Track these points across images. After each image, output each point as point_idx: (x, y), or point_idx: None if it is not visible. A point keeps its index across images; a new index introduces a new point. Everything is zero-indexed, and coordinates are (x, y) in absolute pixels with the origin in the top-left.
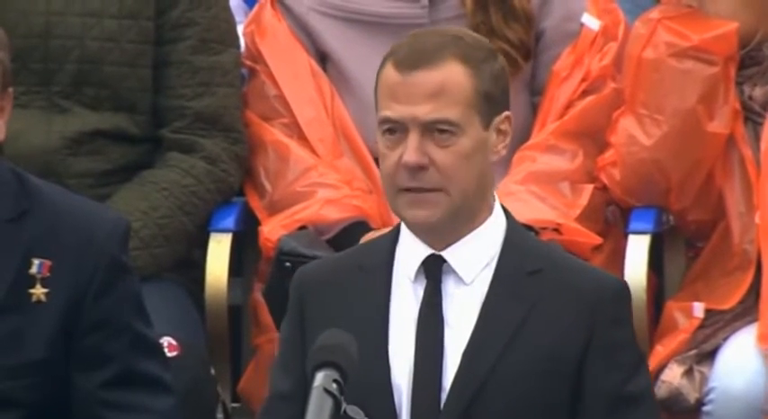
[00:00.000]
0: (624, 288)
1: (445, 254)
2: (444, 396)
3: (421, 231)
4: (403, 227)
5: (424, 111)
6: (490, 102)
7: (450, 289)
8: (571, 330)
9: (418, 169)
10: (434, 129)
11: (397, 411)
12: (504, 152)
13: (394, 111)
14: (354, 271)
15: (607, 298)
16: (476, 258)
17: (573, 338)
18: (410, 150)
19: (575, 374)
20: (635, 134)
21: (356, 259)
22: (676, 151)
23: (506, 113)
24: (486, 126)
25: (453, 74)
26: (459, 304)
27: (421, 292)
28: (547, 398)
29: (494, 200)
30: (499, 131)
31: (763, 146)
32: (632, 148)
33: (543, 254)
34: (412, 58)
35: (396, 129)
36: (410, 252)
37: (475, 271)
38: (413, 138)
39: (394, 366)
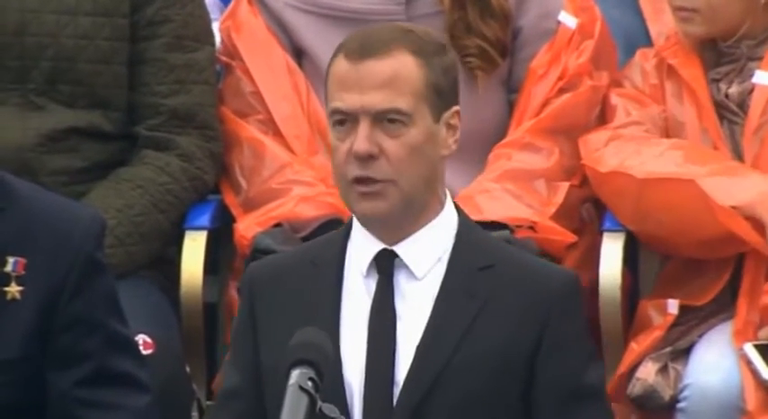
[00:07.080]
0: (574, 281)
1: (397, 248)
2: (397, 391)
3: (372, 224)
4: (355, 223)
5: (375, 101)
6: (440, 96)
7: (402, 284)
8: (523, 325)
9: (368, 158)
10: (385, 119)
11: (349, 407)
12: (454, 147)
13: (344, 101)
14: (307, 267)
15: (557, 292)
16: (427, 253)
17: (525, 333)
18: (360, 139)
19: (527, 369)
20: None
21: (309, 254)
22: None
23: (456, 108)
24: (437, 119)
25: (404, 64)
26: (411, 299)
27: (373, 287)
28: (499, 393)
29: (445, 196)
30: (449, 126)
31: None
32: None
33: (495, 250)
34: (363, 48)
35: (346, 119)
36: (362, 247)
37: (427, 266)
38: (363, 128)
39: (346, 362)
